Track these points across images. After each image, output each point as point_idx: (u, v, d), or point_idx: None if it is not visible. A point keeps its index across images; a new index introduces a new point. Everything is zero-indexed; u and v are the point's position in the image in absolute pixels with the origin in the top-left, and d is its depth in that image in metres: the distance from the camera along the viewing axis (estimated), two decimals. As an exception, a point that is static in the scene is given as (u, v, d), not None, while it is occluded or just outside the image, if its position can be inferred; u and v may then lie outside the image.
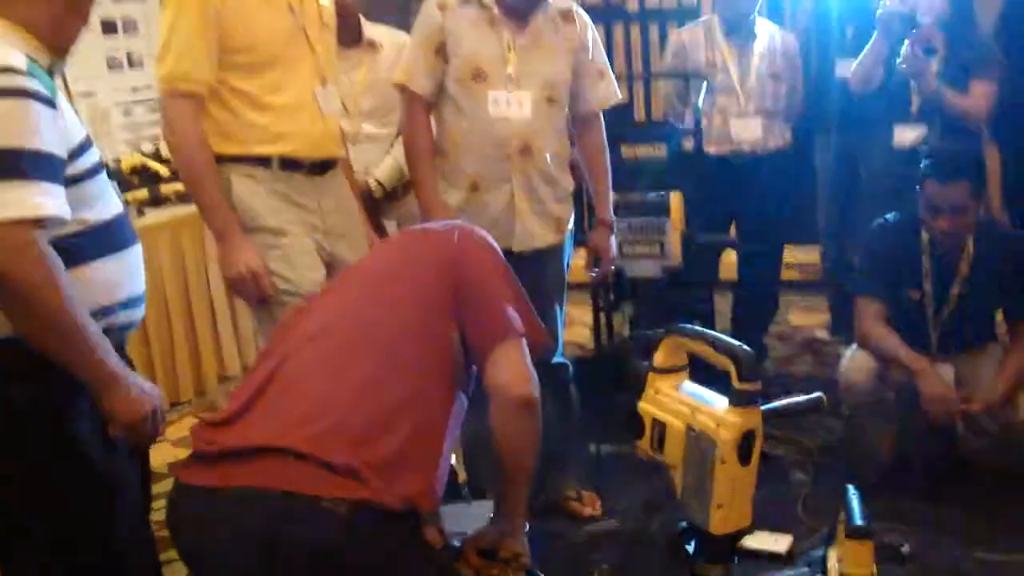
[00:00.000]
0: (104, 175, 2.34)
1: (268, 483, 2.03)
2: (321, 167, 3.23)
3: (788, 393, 3.81)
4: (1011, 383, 3.55)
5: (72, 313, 2.07)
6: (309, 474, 2.03)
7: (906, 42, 4.25)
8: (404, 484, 2.10)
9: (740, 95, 4.72)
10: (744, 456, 2.73)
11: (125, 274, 2.34)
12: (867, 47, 4.53)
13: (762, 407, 2.80)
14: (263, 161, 3.09)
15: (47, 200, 2.04)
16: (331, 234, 3.22)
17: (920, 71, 4.24)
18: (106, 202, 2.32)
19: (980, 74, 4.26)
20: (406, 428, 2.17)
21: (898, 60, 4.30)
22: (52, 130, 2.10)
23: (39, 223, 2.02)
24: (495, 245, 2.65)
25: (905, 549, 3.19)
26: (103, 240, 2.27)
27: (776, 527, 3.25)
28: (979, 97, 4.30)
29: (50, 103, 2.11)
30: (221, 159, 3.06)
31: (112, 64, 5.99)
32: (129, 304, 2.35)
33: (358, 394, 2.18)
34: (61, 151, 2.12)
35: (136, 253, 2.42)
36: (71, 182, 2.16)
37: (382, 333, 2.32)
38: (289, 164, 3.12)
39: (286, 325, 2.50)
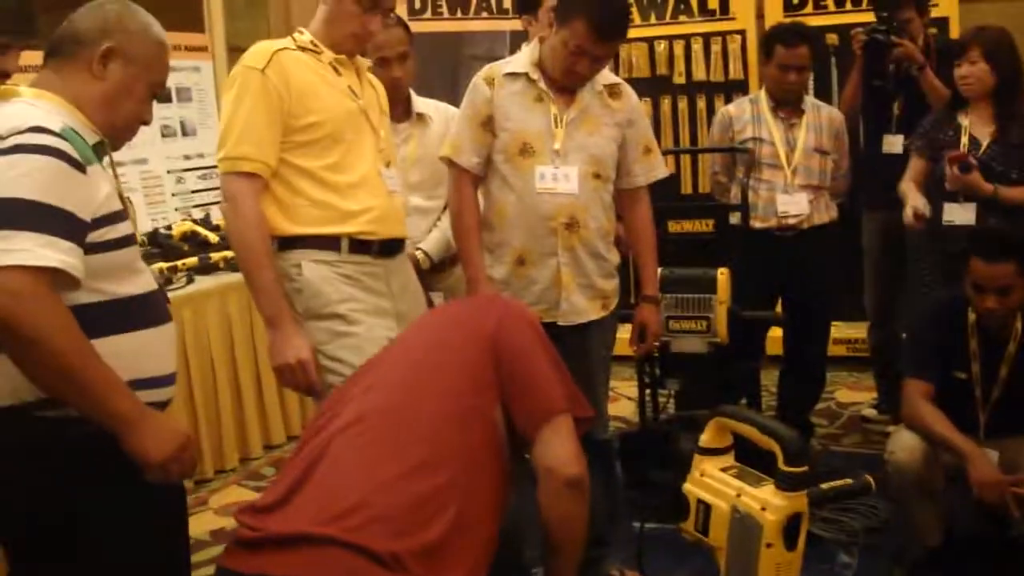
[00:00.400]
0: (134, 250, 2.31)
1: (311, 573, 2.02)
2: (390, 248, 3.23)
3: (835, 472, 3.75)
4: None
5: (80, 356, 2.03)
6: (353, 564, 2.02)
7: (946, 165, 4.21)
8: (447, 570, 2.08)
9: (786, 170, 4.72)
10: (790, 540, 2.69)
11: (147, 352, 2.30)
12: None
13: (809, 492, 2.75)
14: (332, 242, 3.08)
15: (55, 253, 2.00)
16: (401, 318, 3.20)
17: (968, 186, 4.19)
18: (133, 277, 2.29)
19: None
20: (450, 515, 2.15)
21: (945, 183, 4.26)
22: (75, 191, 2.09)
23: (44, 271, 1.99)
24: (534, 318, 2.65)
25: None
26: (124, 314, 2.24)
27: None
28: None
29: (79, 167, 2.10)
30: (287, 242, 3.07)
31: (165, 132, 6.09)
32: (151, 384, 2.29)
33: (401, 483, 2.16)
34: (83, 213, 2.10)
35: (165, 333, 2.38)
36: (94, 248, 2.14)
37: (425, 417, 2.30)
38: (358, 245, 3.11)
39: (331, 405, 2.48)
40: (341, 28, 3.19)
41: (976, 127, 4.30)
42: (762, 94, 4.88)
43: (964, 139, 4.29)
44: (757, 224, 4.73)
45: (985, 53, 4.23)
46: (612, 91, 3.50)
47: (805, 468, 2.67)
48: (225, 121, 3.05)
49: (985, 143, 4.25)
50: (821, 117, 4.84)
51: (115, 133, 2.37)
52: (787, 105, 4.79)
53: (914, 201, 4.27)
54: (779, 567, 2.71)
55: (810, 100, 4.90)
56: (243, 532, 2.17)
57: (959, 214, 4.24)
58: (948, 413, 3.59)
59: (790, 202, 4.71)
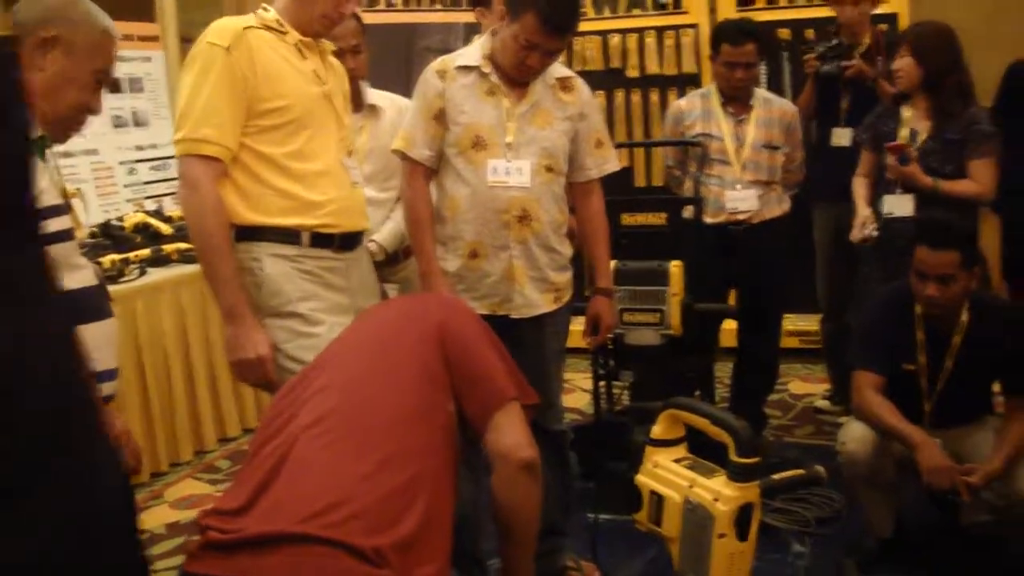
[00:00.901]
0: (72, 245, 2.28)
1: (296, 573, 2.00)
2: (351, 241, 3.18)
3: (787, 463, 3.80)
4: (1010, 456, 3.53)
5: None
6: (338, 561, 1.99)
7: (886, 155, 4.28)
8: (422, 564, 2.09)
9: (735, 166, 4.75)
10: (742, 530, 2.71)
11: (86, 348, 2.29)
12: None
13: (761, 482, 2.78)
14: (292, 235, 3.02)
15: None
16: (358, 313, 3.16)
17: (906, 177, 4.24)
18: (71, 272, 2.26)
19: (979, 155, 4.25)
20: (419, 508, 2.16)
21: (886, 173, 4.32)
22: None
23: None
24: (472, 311, 2.67)
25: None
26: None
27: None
28: (983, 179, 4.25)
29: None
30: (246, 232, 3.00)
31: (117, 123, 6.04)
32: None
33: (371, 479, 2.15)
34: None
35: (105, 328, 2.35)
36: None
37: (385, 414, 2.31)
38: (320, 239, 3.05)
39: (285, 405, 2.45)
40: (312, 8, 3.09)
41: (915, 121, 4.35)
42: (712, 89, 4.91)
43: (904, 131, 4.34)
44: (709, 219, 4.75)
45: (913, 49, 4.29)
46: (564, 84, 3.51)
47: (757, 459, 2.70)
48: (185, 101, 2.93)
49: (922, 137, 4.30)
50: (772, 111, 4.86)
51: (59, 123, 2.34)
52: (736, 101, 4.82)
53: (860, 218, 4.36)
54: (732, 557, 2.74)
55: (761, 94, 4.92)
56: (213, 535, 2.12)
57: (898, 205, 4.28)
58: (897, 404, 3.63)
59: (739, 198, 4.74)
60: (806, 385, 5.95)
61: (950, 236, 3.57)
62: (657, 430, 2.90)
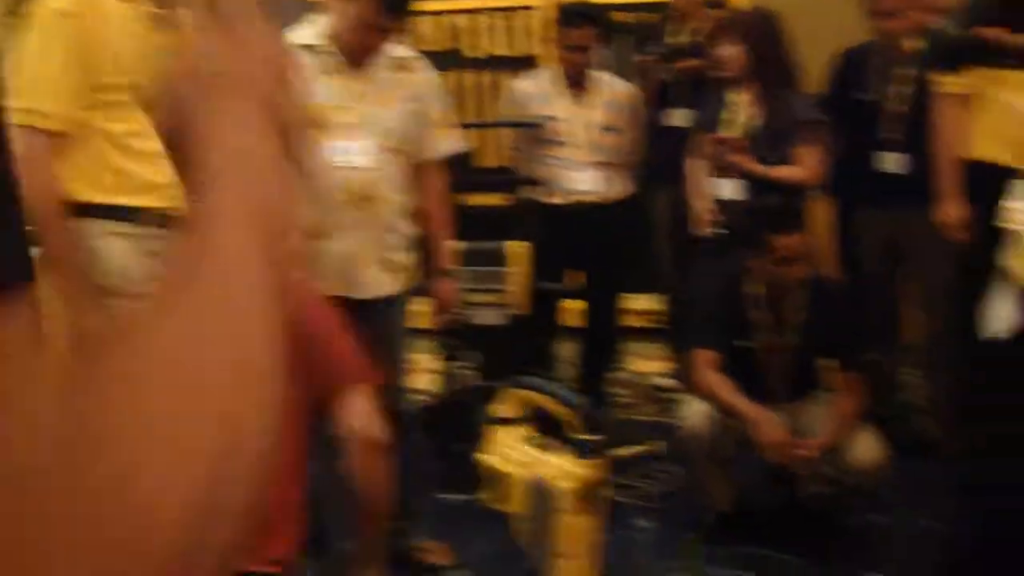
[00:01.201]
0: None
1: None
2: None
3: (631, 440, 3.85)
4: (842, 429, 3.65)
5: None
6: None
7: (713, 142, 4.40)
8: (273, 546, 2.08)
9: (576, 147, 4.79)
10: (587, 507, 2.74)
11: None
12: None
13: (603, 458, 2.81)
14: (133, 214, 2.88)
15: None
16: None
17: (733, 163, 4.33)
18: None
19: (805, 141, 4.38)
20: (273, 492, 2.13)
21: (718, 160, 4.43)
22: None
23: None
24: (318, 292, 2.65)
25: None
26: None
27: (623, 575, 3.27)
28: (810, 164, 4.39)
29: None
30: (84, 209, 2.85)
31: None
32: None
33: None
34: None
35: None
36: None
37: None
38: (160, 219, 2.89)
39: None
40: None
41: (743, 107, 4.45)
42: (554, 71, 4.93)
43: (732, 117, 4.43)
44: (551, 200, 4.78)
45: (738, 36, 4.39)
46: (405, 64, 3.48)
47: (600, 436, 2.73)
48: (23, 68, 2.76)
49: (750, 124, 4.41)
50: (613, 94, 4.91)
51: None
52: (578, 83, 4.85)
53: (699, 210, 4.47)
54: (578, 534, 2.76)
55: (602, 77, 4.96)
56: None
57: (729, 190, 4.38)
58: (737, 381, 3.71)
59: (580, 179, 4.78)
60: (647, 363, 6.03)
61: (796, 220, 3.69)
62: (501, 409, 2.91)
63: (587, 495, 2.71)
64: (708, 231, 4.42)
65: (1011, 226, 3.16)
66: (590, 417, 2.70)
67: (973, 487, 2.53)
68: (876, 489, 3.74)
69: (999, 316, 2.34)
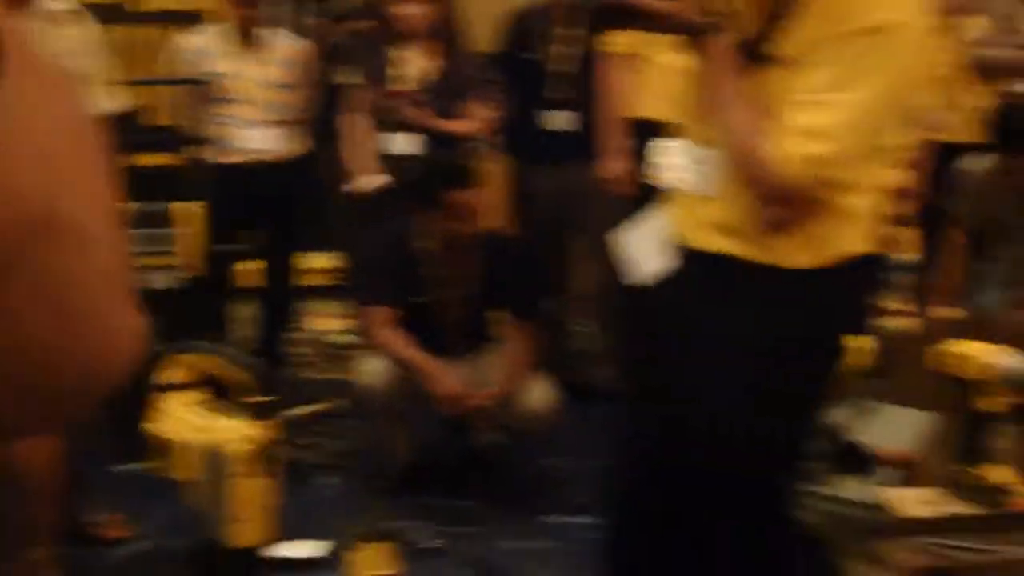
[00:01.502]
0: None
1: None
2: None
3: (310, 399, 3.86)
4: (515, 378, 3.78)
5: None
6: None
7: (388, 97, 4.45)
8: None
9: (250, 105, 4.71)
10: (260, 468, 2.74)
11: None
12: None
13: (279, 417, 2.81)
14: None
15: None
16: None
17: (408, 117, 4.40)
18: None
19: (475, 96, 4.48)
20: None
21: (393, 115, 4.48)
22: None
23: None
24: None
25: (437, 544, 3.35)
26: None
27: (309, 533, 3.29)
28: (482, 117, 4.50)
29: None
30: None
31: None
32: None
33: None
34: None
35: None
36: None
37: None
38: None
39: None
40: None
41: (414, 63, 4.51)
42: (225, 27, 4.81)
43: (401, 72, 4.48)
44: (225, 159, 4.68)
45: None
46: (60, 17, 3.32)
47: (273, 397, 2.73)
48: None
49: (424, 79, 4.47)
50: (286, 51, 4.84)
51: None
52: (248, 39, 4.76)
53: (352, 163, 4.52)
54: (252, 496, 2.76)
55: (277, 33, 4.88)
56: None
57: (399, 144, 4.44)
58: (415, 336, 3.77)
59: (252, 137, 4.71)
60: (325, 321, 6.03)
61: (470, 176, 3.78)
62: (169, 375, 2.86)
63: (261, 457, 2.71)
64: (367, 187, 4.45)
65: (662, 180, 3.33)
66: (263, 378, 2.69)
67: (618, 430, 2.66)
68: (550, 435, 3.90)
69: (644, 264, 2.49)
